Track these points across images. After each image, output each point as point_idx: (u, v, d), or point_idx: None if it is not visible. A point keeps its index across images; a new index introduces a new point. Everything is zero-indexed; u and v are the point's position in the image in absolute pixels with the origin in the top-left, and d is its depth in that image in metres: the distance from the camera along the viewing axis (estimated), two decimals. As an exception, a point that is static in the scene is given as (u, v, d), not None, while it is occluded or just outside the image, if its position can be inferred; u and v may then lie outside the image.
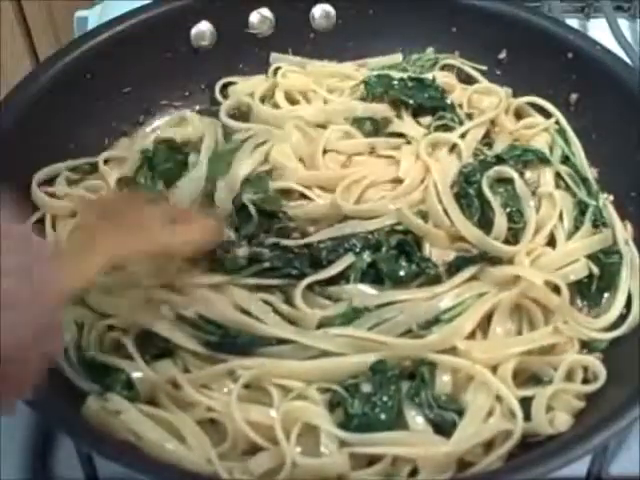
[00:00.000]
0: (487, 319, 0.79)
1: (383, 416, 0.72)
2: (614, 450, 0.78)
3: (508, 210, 0.88)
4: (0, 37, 1.63)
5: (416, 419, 0.73)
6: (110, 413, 0.73)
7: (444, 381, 0.75)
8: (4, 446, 0.79)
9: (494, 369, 0.76)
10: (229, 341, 0.77)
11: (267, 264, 0.82)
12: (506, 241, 0.86)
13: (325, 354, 0.76)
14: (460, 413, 0.73)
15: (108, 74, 0.97)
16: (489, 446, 0.72)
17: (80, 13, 1.19)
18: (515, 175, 0.90)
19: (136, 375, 0.75)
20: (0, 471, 0.77)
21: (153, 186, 0.91)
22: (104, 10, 1.16)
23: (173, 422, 0.72)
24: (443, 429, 0.73)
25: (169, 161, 0.93)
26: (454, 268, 0.82)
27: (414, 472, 0.71)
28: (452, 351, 0.76)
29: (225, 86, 1.04)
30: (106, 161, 0.95)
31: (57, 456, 0.79)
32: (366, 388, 0.73)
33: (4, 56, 1.61)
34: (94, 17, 1.17)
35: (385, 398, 0.73)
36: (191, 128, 0.97)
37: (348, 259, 0.82)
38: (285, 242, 0.84)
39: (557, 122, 0.98)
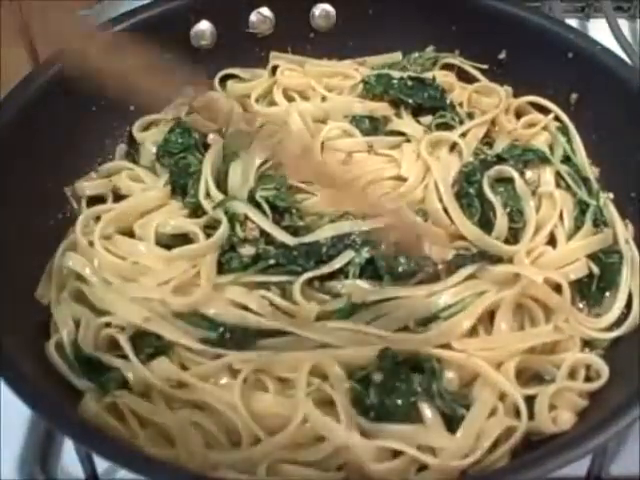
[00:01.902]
0: (489, 317, 0.79)
1: (399, 401, 0.72)
2: (614, 450, 0.78)
3: (508, 209, 0.88)
4: (0, 37, 1.62)
5: (427, 411, 0.72)
6: (108, 409, 0.73)
7: (449, 378, 0.75)
8: (4, 446, 0.79)
9: (497, 367, 0.75)
10: (227, 336, 0.77)
11: (272, 261, 0.82)
12: (506, 240, 0.86)
13: (323, 347, 0.76)
14: (468, 408, 0.73)
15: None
16: (493, 443, 0.72)
17: (80, 13, 1.19)
18: (515, 175, 0.90)
19: (130, 374, 0.75)
20: (0, 471, 0.77)
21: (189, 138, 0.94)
22: (104, 10, 1.16)
23: (167, 421, 0.72)
24: (453, 421, 0.72)
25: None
26: (453, 266, 0.82)
27: (420, 468, 0.71)
28: (449, 349, 0.76)
29: (223, 80, 1.04)
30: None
31: (57, 456, 0.79)
32: (377, 377, 0.73)
33: (4, 56, 1.60)
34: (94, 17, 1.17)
35: (398, 384, 0.73)
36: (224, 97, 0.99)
37: (348, 255, 0.82)
38: (286, 240, 0.84)
39: (559, 120, 0.98)
